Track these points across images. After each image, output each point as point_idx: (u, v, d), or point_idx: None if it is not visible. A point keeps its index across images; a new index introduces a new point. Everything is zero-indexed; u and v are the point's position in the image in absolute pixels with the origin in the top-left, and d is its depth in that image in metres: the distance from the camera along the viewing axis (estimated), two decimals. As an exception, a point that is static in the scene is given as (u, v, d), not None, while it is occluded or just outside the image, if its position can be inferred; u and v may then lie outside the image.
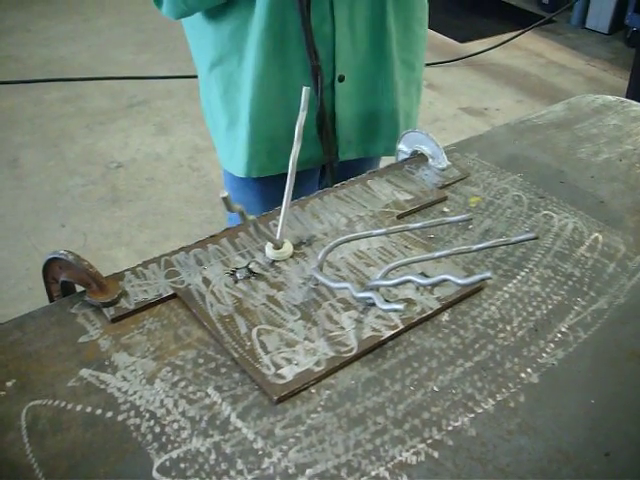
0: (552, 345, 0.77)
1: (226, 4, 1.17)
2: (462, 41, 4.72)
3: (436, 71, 4.22)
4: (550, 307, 0.82)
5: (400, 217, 0.97)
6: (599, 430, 0.68)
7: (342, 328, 0.77)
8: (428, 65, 4.18)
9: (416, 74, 1.38)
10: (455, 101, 3.88)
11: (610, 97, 1.39)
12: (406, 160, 1.11)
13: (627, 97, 3.70)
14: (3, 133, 3.43)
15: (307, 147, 1.11)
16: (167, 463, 0.63)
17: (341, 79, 1.23)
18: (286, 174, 1.28)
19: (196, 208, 2.90)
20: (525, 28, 4.70)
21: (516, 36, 4.64)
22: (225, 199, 0.71)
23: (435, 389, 0.71)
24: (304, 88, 0.87)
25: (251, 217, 0.79)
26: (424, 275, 0.84)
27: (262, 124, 1.24)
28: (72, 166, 3.17)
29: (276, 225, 0.89)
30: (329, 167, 1.28)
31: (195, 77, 1.41)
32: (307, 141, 1.08)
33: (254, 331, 0.76)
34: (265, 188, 1.36)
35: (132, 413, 0.67)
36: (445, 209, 1.00)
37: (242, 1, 1.16)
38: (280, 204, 0.90)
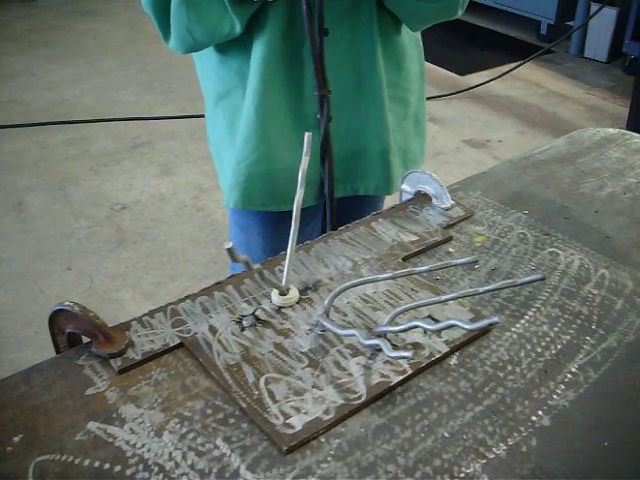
0: (562, 386, 0.76)
1: (231, 41, 1.21)
2: (462, 74, 4.76)
3: (437, 104, 4.25)
4: (559, 347, 0.82)
5: (405, 259, 0.97)
6: (614, 473, 0.67)
7: (350, 375, 0.76)
8: (428, 99, 4.21)
9: (412, 109, 1.40)
10: (457, 134, 3.90)
11: (611, 130, 1.39)
12: (410, 200, 1.11)
13: (628, 125, 3.75)
14: (8, 176, 3.46)
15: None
16: (177, 519, 0.62)
17: (329, 120, 1.25)
18: (274, 212, 1.30)
19: (201, 248, 2.90)
20: (524, 59, 4.74)
21: (515, 67, 4.68)
22: (230, 250, 0.70)
23: (446, 435, 0.70)
24: (306, 134, 0.88)
25: (256, 266, 0.78)
26: (431, 318, 0.84)
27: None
28: (77, 209, 3.19)
29: (281, 271, 0.89)
30: (329, 196, 1.28)
31: (198, 117, 1.45)
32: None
33: (262, 380, 0.75)
34: (264, 225, 1.38)
35: (140, 467, 0.67)
36: (450, 249, 0.99)
37: (245, 38, 1.20)
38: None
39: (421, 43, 1.39)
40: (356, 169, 1.34)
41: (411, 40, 1.33)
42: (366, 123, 1.30)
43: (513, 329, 0.84)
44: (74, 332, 0.80)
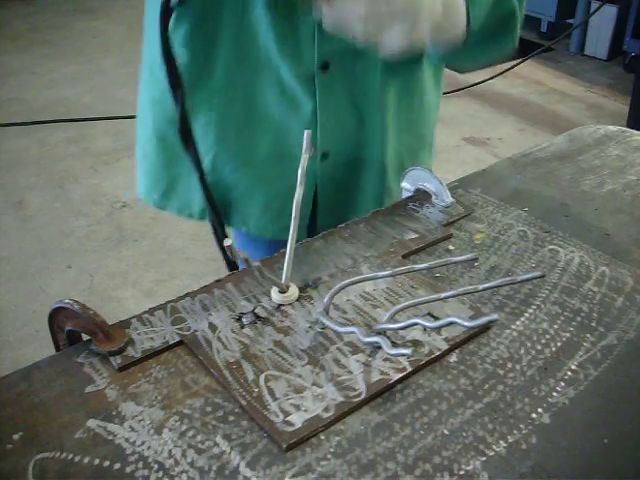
0: (562, 384, 0.76)
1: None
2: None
3: (437, 102, 4.24)
4: (559, 344, 0.82)
5: (405, 256, 0.97)
6: (614, 470, 0.67)
7: (350, 372, 0.76)
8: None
9: (428, 139, 1.33)
10: (458, 132, 3.90)
11: (611, 127, 1.39)
12: (410, 198, 1.11)
13: (628, 123, 3.74)
14: (9, 175, 3.46)
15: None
16: (176, 516, 0.62)
17: (324, 156, 1.16)
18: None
19: (201, 246, 2.90)
20: (524, 57, 4.74)
21: (516, 65, 4.67)
22: (229, 247, 0.70)
23: (445, 432, 0.70)
24: (306, 131, 0.87)
25: (256, 264, 0.78)
26: (431, 315, 0.84)
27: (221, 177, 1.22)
28: (77, 207, 3.19)
29: (281, 268, 0.89)
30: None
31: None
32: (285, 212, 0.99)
33: (261, 377, 0.75)
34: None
35: (140, 464, 0.66)
36: (450, 247, 0.99)
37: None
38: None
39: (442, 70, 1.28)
40: (349, 201, 1.24)
41: (429, 70, 1.22)
42: (365, 164, 1.21)
43: (513, 326, 0.84)
44: (74, 330, 0.80)
